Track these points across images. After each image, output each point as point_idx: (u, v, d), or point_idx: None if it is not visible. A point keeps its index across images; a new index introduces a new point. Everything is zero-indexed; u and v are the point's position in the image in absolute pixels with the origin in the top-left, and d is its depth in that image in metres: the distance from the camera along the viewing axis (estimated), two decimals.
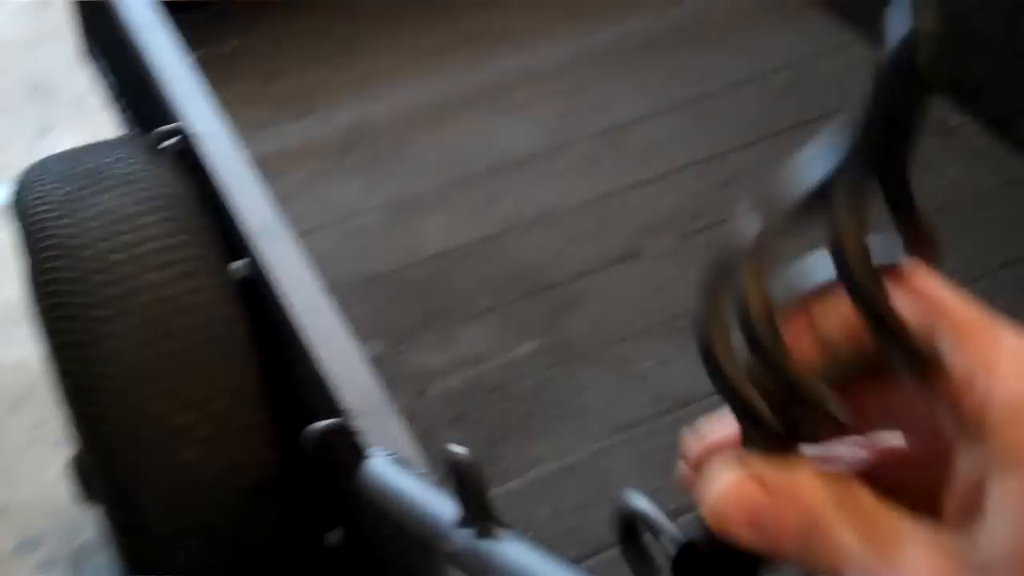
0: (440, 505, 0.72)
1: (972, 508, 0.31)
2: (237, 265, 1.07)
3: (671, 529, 0.41)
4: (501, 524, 0.65)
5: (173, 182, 1.12)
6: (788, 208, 0.35)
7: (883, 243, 0.34)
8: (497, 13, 1.79)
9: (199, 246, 1.07)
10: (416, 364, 1.30)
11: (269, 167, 1.18)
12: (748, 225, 0.35)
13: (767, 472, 0.35)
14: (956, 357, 0.32)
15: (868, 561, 0.32)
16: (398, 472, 0.78)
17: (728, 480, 0.35)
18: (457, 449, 0.65)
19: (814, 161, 0.35)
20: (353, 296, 1.29)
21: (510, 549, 0.62)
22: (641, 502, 0.44)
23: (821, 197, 0.34)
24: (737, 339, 0.35)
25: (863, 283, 0.33)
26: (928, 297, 0.33)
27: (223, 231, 1.09)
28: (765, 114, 1.58)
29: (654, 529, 0.43)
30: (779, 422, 0.35)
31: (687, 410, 1.21)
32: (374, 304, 1.36)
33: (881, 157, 0.34)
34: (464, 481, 0.65)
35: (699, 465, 0.38)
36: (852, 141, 0.33)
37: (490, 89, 1.66)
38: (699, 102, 1.61)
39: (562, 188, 1.50)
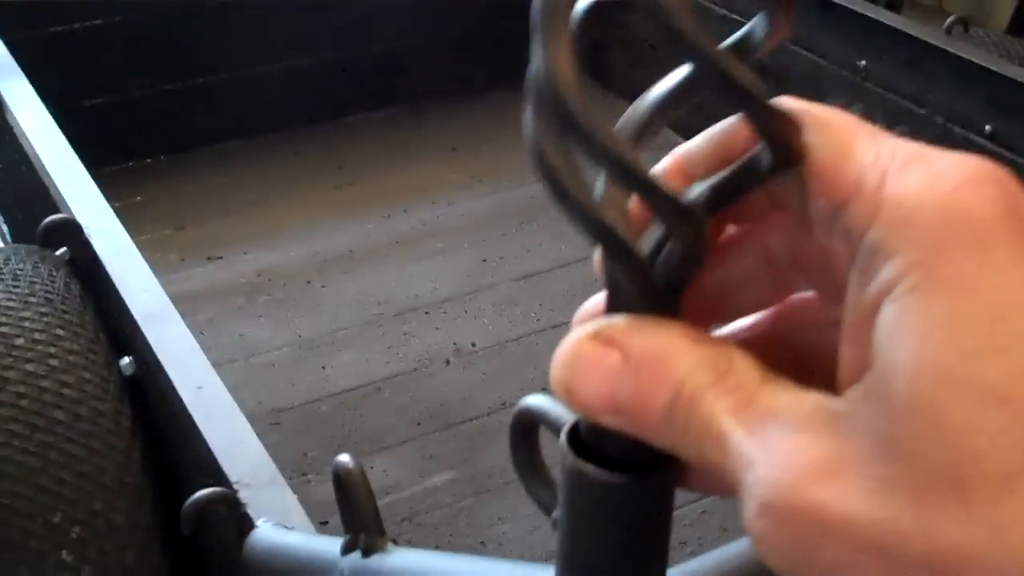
0: (326, 543, 0.64)
1: (858, 361, 0.24)
2: (125, 362, 1.00)
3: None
4: (387, 536, 0.57)
5: (59, 280, 1.05)
6: None
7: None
8: (413, 172, 1.78)
9: (81, 341, 0.99)
10: (322, 494, 1.20)
11: (176, 308, 1.12)
12: None
13: (622, 333, 0.28)
14: (829, 148, 0.26)
15: (739, 442, 0.25)
16: (284, 534, 0.70)
17: (574, 341, 0.28)
18: (344, 458, 0.58)
19: None
20: (259, 428, 1.21)
21: (398, 558, 0.55)
22: (539, 400, 0.37)
23: None
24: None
25: (680, 32, 0.25)
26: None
27: (111, 326, 1.02)
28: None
29: (553, 427, 0.36)
30: (654, 278, 0.28)
31: None
32: (281, 436, 1.28)
33: None
34: (350, 491, 0.57)
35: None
36: None
37: (407, 237, 1.63)
38: None
39: (479, 329, 1.45)
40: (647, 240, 0.29)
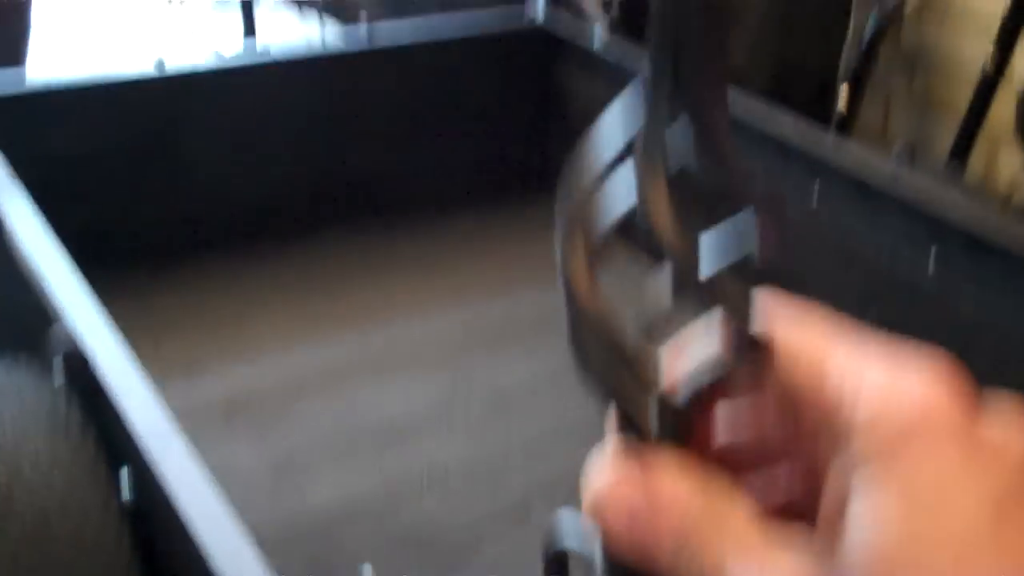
0: None
1: (833, 524, 0.31)
2: (124, 479, 1.04)
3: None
4: None
5: (68, 398, 1.09)
6: (593, 177, 0.35)
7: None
8: (383, 289, 1.84)
9: (83, 459, 1.03)
10: None
11: None
12: (563, 199, 0.35)
13: (652, 473, 0.34)
14: (805, 376, 0.33)
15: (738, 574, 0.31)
16: None
17: (614, 471, 0.35)
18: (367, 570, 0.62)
19: (613, 125, 0.34)
20: None
21: None
22: (570, 538, 0.42)
23: (623, 160, 0.34)
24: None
25: (665, 237, 0.33)
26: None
27: (110, 443, 1.06)
28: None
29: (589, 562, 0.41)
30: (648, 421, 0.35)
31: None
32: (262, 555, 1.30)
33: (685, 96, 0.32)
34: None
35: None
36: (650, 90, 0.32)
37: (379, 356, 1.67)
38: None
39: (453, 449, 1.49)
40: (652, 418, 0.35)
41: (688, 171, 0.33)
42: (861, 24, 2.58)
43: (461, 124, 2.05)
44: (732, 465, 0.36)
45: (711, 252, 0.34)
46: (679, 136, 0.33)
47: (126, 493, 1.03)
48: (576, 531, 0.41)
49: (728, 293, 0.34)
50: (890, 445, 0.29)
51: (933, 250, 1.41)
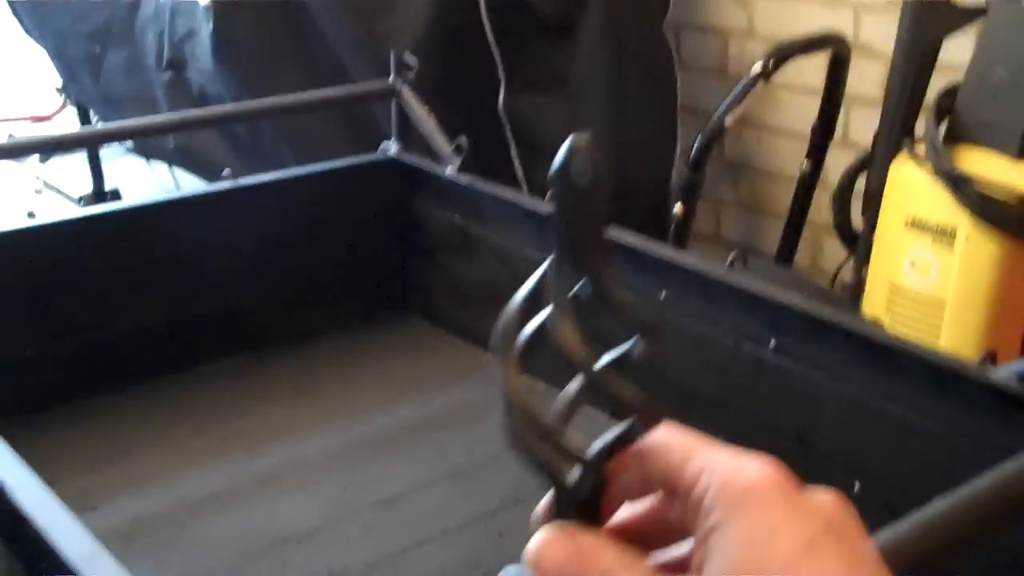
0: None
1: (700, 566, 0.44)
2: None
3: None
4: None
5: None
6: (515, 313, 0.49)
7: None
8: (261, 416, 1.92)
9: None
10: None
11: None
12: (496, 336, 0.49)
13: (575, 531, 0.48)
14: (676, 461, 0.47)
15: None
16: None
17: (546, 532, 0.49)
18: None
19: (531, 280, 0.50)
20: None
21: None
22: (513, 570, 0.55)
23: (537, 300, 0.49)
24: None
25: (576, 359, 0.47)
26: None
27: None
28: (526, 478, 1.73)
29: None
30: (572, 488, 0.49)
31: None
32: None
33: (577, 255, 0.46)
34: None
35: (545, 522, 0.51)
36: (554, 250, 0.47)
37: (269, 475, 1.76)
38: (466, 472, 1.76)
39: (349, 553, 1.57)
40: (572, 477, 0.49)
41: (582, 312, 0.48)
42: (688, 144, 2.80)
43: (325, 253, 2.17)
44: (631, 535, 0.50)
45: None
46: (580, 289, 0.47)
47: None
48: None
49: (615, 382, 0.48)
50: (736, 500, 0.43)
51: (772, 339, 1.57)
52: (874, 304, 2.29)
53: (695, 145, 2.70)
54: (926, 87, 2.35)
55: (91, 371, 1.93)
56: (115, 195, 3.98)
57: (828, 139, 2.73)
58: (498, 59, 2.60)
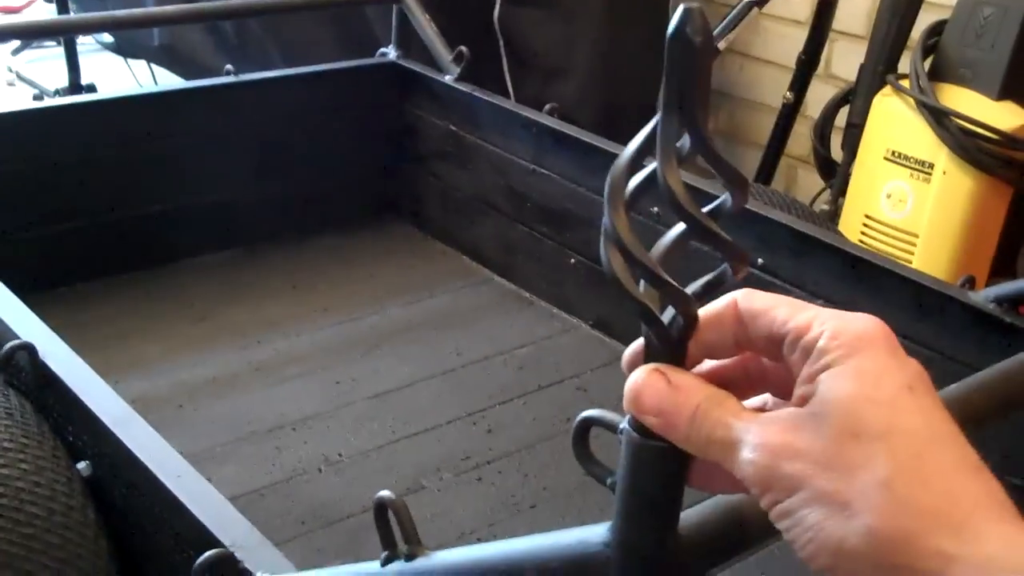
0: (360, 568, 0.82)
1: (807, 397, 0.50)
2: (82, 465, 1.16)
3: (622, 422, 0.58)
4: (425, 548, 0.77)
5: (11, 397, 1.19)
6: (626, 162, 0.53)
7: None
8: (260, 305, 1.97)
9: (45, 447, 1.14)
10: None
11: None
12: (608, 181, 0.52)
13: (670, 371, 0.53)
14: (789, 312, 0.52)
15: (738, 429, 0.51)
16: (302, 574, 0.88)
17: (643, 371, 0.54)
18: (386, 493, 0.78)
19: (641, 134, 0.53)
20: None
21: (442, 557, 0.75)
22: (592, 412, 0.61)
23: (644, 153, 0.53)
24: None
25: (680, 206, 0.51)
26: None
27: (64, 435, 1.17)
28: (513, 380, 1.81)
29: (608, 426, 0.60)
30: (669, 329, 0.54)
31: None
32: None
33: (683, 110, 0.49)
34: (396, 514, 0.77)
35: (633, 367, 0.56)
36: (661, 108, 0.50)
37: (264, 365, 1.81)
38: (456, 372, 1.82)
39: (343, 441, 1.63)
40: (666, 316, 0.54)
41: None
42: None
43: (320, 154, 2.20)
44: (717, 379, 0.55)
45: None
46: (684, 143, 0.51)
47: (84, 474, 1.14)
48: (600, 413, 0.60)
49: (712, 228, 0.52)
50: (849, 344, 0.49)
51: (760, 257, 1.64)
52: (849, 234, 2.36)
53: None
54: (913, 23, 2.41)
55: (87, 257, 1.96)
56: (91, 89, 3.96)
57: (812, 70, 2.78)
58: None
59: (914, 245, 2.27)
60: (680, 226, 0.54)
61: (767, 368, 0.55)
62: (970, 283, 1.45)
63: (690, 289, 0.54)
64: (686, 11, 0.47)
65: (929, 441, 0.47)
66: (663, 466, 0.56)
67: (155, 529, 1.06)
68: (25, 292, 1.84)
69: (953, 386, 0.97)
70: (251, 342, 1.87)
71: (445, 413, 1.71)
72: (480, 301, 2.06)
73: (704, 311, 0.55)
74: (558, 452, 1.62)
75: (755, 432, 0.50)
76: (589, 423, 0.61)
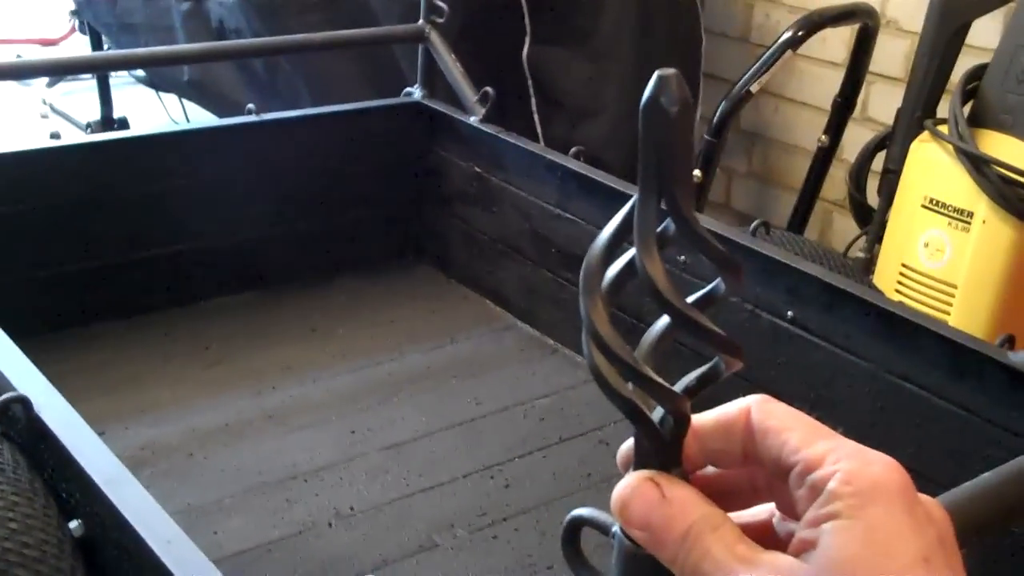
0: None
1: (808, 544, 0.44)
2: (74, 524, 1.11)
3: (615, 524, 0.52)
4: None
5: (5, 452, 1.15)
6: (601, 250, 0.48)
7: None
8: (276, 349, 1.93)
9: (36, 505, 1.10)
10: None
11: None
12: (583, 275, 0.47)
13: (664, 480, 0.47)
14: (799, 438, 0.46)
15: (732, 567, 0.44)
16: None
17: (635, 478, 0.48)
18: None
19: (616, 218, 0.48)
20: None
21: None
22: (583, 511, 0.56)
23: (622, 237, 0.47)
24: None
25: (663, 298, 0.45)
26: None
27: (57, 492, 1.13)
28: (534, 431, 1.75)
29: (599, 527, 0.54)
30: (661, 435, 0.48)
31: None
32: None
33: (663, 188, 0.44)
34: None
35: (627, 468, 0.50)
36: (639, 186, 0.45)
37: (278, 412, 1.76)
38: (474, 422, 1.77)
39: (355, 494, 1.58)
40: (656, 415, 0.48)
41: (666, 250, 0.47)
42: (707, 110, 2.79)
43: (342, 195, 2.16)
44: (711, 489, 0.49)
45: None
46: (666, 226, 0.46)
47: (75, 534, 1.10)
48: (592, 512, 0.54)
49: (700, 320, 0.46)
50: (859, 500, 0.43)
51: (790, 310, 1.58)
52: (884, 284, 2.29)
53: (718, 111, 2.69)
54: (952, 66, 2.35)
55: (103, 298, 1.93)
56: (123, 124, 3.97)
57: (849, 113, 2.72)
58: (524, 9, 2.58)
59: (952, 296, 2.20)
60: (665, 318, 0.48)
61: (776, 483, 0.48)
62: (1009, 343, 1.39)
63: (681, 385, 0.48)
64: (659, 78, 0.42)
65: None
66: (654, 570, 0.50)
67: None
68: (40, 332, 1.83)
69: (955, 490, 0.92)
70: (266, 387, 1.83)
71: (461, 466, 1.66)
72: (502, 348, 2.01)
73: (714, 414, 0.49)
74: None
75: None
76: (580, 523, 0.56)
